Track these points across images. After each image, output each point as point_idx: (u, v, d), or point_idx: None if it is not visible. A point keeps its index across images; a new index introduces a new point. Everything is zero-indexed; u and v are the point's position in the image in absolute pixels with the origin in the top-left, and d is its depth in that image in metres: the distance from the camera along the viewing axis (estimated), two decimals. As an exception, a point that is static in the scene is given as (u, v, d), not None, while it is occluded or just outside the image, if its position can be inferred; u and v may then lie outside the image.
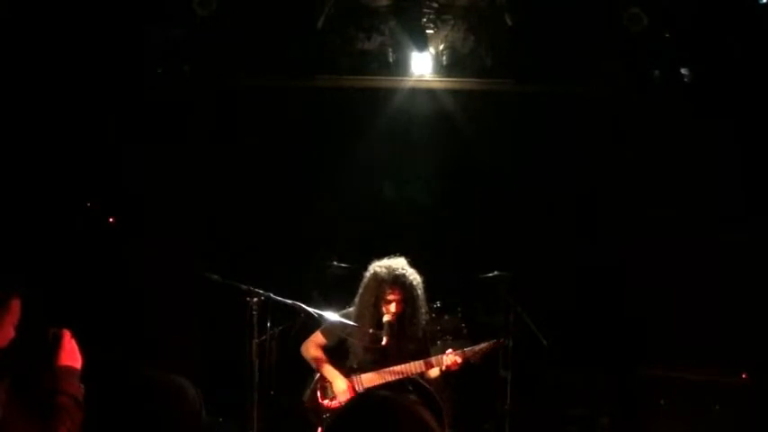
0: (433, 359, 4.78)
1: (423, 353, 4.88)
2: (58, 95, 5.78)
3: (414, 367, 4.80)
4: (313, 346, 4.99)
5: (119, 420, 2.12)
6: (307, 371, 5.03)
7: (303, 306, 4.78)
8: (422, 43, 5.74)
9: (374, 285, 4.84)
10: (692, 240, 6.16)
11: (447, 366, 4.71)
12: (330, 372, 4.89)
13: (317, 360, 4.95)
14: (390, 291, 4.79)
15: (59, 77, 5.67)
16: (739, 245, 6.02)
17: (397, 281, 4.79)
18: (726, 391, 5.39)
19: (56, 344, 2.71)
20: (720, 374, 5.45)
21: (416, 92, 6.32)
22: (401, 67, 5.99)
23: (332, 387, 4.87)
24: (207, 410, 2.29)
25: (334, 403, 4.84)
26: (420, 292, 4.86)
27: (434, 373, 4.84)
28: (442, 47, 5.91)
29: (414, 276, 4.85)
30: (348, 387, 4.83)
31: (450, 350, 4.78)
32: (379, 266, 4.87)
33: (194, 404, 2.23)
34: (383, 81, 6.15)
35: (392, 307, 4.79)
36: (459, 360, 4.71)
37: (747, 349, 5.66)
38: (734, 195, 6.09)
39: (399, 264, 4.86)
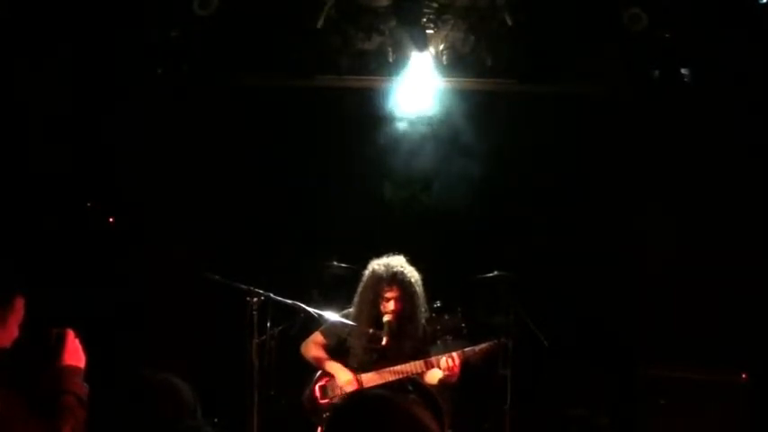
0: (433, 359, 4.78)
1: (423, 353, 4.88)
2: (58, 95, 5.78)
3: (414, 367, 4.80)
4: (313, 346, 5.00)
5: (114, 420, 2.13)
6: (307, 371, 5.03)
7: (303, 306, 4.78)
8: (422, 43, 5.74)
9: (372, 283, 4.86)
10: (692, 240, 6.15)
11: (447, 368, 4.70)
12: (332, 366, 4.89)
13: (317, 359, 4.95)
14: (388, 288, 4.80)
15: (59, 77, 5.67)
16: (739, 244, 6.02)
17: (395, 278, 4.80)
18: (726, 391, 5.39)
19: (59, 343, 2.72)
20: (720, 374, 5.45)
21: (416, 92, 6.31)
22: (401, 67, 5.99)
23: (334, 381, 4.87)
24: (204, 410, 2.30)
25: (336, 400, 4.85)
26: (418, 289, 4.87)
27: (434, 378, 4.83)
28: (442, 47, 5.90)
29: (412, 274, 4.86)
30: (353, 377, 4.83)
31: (452, 353, 4.78)
32: (377, 264, 4.89)
33: (189, 404, 2.24)
34: (383, 81, 6.15)
35: (390, 305, 4.80)
36: (458, 361, 4.71)
37: (747, 349, 5.66)
38: (734, 195, 6.09)
39: (397, 262, 4.88)
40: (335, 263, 6.17)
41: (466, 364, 4.80)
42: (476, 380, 5.57)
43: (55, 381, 2.64)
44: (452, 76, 6.10)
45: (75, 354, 2.74)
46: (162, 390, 2.20)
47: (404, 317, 4.85)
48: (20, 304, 2.75)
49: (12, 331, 2.72)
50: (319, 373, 4.97)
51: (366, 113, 6.42)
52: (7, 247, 5.23)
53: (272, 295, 4.75)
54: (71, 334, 2.75)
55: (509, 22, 5.55)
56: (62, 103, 5.83)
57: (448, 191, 6.79)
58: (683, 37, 5.57)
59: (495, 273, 5.70)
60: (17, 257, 5.17)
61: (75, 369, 2.71)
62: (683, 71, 5.76)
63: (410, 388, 4.84)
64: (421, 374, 4.85)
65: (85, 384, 2.70)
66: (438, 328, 5.88)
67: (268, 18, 5.63)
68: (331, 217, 6.55)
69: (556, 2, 5.60)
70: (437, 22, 5.71)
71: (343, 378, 4.83)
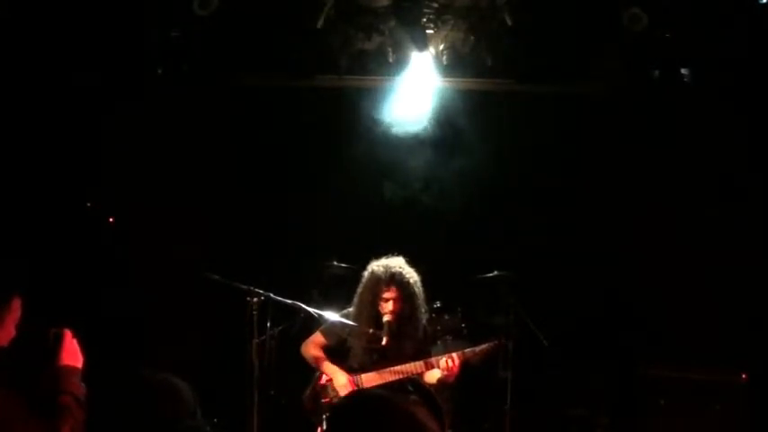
0: (433, 359, 4.78)
1: (423, 353, 4.89)
2: (59, 95, 5.78)
3: (414, 367, 4.80)
4: (313, 346, 5.00)
5: (114, 420, 2.13)
6: (307, 371, 5.03)
7: (303, 306, 4.79)
8: (422, 43, 5.74)
9: (371, 284, 4.87)
10: (693, 240, 6.15)
11: (447, 368, 4.70)
12: (330, 368, 4.89)
13: (316, 359, 4.95)
14: (387, 289, 4.81)
15: (60, 77, 5.67)
16: (740, 244, 6.02)
17: (394, 279, 4.81)
18: (726, 391, 5.39)
19: (57, 343, 2.72)
20: (720, 374, 5.45)
21: (416, 92, 6.31)
22: (401, 67, 5.98)
23: (332, 383, 4.87)
24: (204, 411, 2.30)
25: (336, 400, 4.84)
26: (418, 290, 4.87)
27: (433, 378, 4.84)
28: (442, 47, 5.90)
29: (411, 275, 4.86)
30: (348, 381, 4.83)
31: (452, 354, 4.78)
32: (376, 265, 4.90)
33: (189, 404, 2.24)
34: (383, 81, 6.15)
35: (389, 305, 4.81)
36: (457, 361, 4.71)
37: (747, 349, 5.66)
38: (734, 194, 6.09)
39: (397, 262, 4.88)
40: (335, 263, 6.17)
41: (465, 364, 4.80)
42: (476, 380, 5.57)
43: (53, 381, 2.64)
44: (452, 76, 6.09)
45: (72, 354, 2.74)
46: (162, 390, 2.20)
47: (403, 317, 4.86)
48: (17, 304, 2.75)
49: (9, 331, 2.72)
50: (319, 372, 4.97)
51: (366, 113, 6.42)
52: (6, 248, 5.23)
53: (272, 295, 4.75)
54: (69, 334, 2.76)
55: (509, 22, 5.54)
56: (62, 102, 5.83)
57: (448, 191, 6.80)
58: (683, 37, 5.57)
59: (495, 273, 5.70)
60: (17, 257, 5.18)
61: (72, 369, 2.72)
62: (683, 71, 5.76)
63: (410, 388, 4.83)
64: (420, 374, 4.85)
65: (83, 384, 2.70)
66: (438, 328, 5.89)
67: (268, 18, 5.62)
68: (331, 217, 6.55)
69: (556, 2, 5.60)
70: (437, 22, 5.70)
71: (340, 381, 4.84)
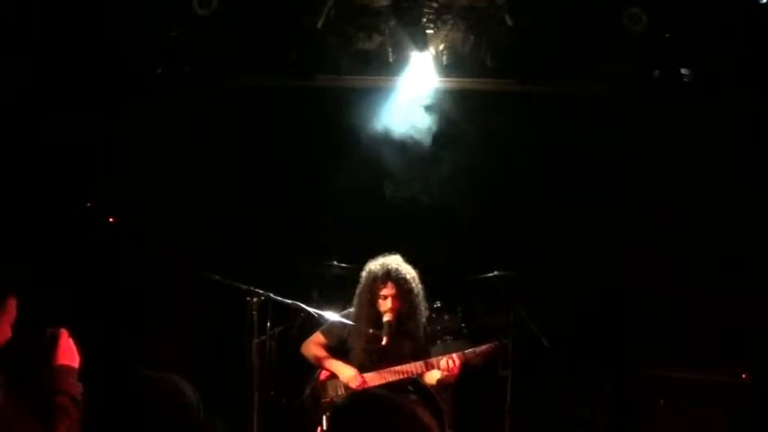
0: (434, 360, 4.79)
1: (423, 353, 4.89)
2: (58, 95, 5.78)
3: (414, 368, 4.81)
4: (314, 346, 5.01)
5: (116, 420, 2.13)
6: (307, 371, 5.03)
7: (303, 306, 4.79)
8: (422, 43, 5.74)
9: (369, 283, 4.89)
10: (693, 240, 6.15)
11: (447, 369, 4.71)
12: (334, 364, 4.90)
13: (318, 358, 4.96)
14: (384, 286, 4.83)
15: (59, 77, 5.67)
16: (740, 244, 6.02)
17: (390, 276, 4.83)
18: (726, 391, 5.39)
19: (53, 343, 2.72)
20: (720, 374, 5.45)
21: (416, 92, 6.31)
22: (401, 67, 5.98)
23: (335, 380, 4.88)
24: (205, 410, 2.30)
25: (336, 399, 4.84)
26: (415, 286, 4.89)
27: (433, 378, 4.84)
28: (442, 47, 5.90)
29: (408, 271, 4.88)
30: (356, 372, 4.83)
31: (453, 354, 4.78)
32: (373, 264, 4.94)
33: (191, 404, 2.24)
34: (383, 81, 6.15)
35: (388, 302, 4.82)
36: (458, 362, 4.71)
37: (747, 349, 5.66)
38: (735, 194, 6.08)
39: (393, 260, 4.91)
40: (335, 263, 6.17)
41: (466, 365, 4.81)
42: (476, 380, 5.57)
43: (49, 381, 2.64)
44: (452, 76, 6.09)
45: (69, 353, 2.74)
46: (166, 390, 2.20)
47: (402, 314, 4.87)
48: (12, 304, 2.75)
49: (4, 331, 2.72)
50: (319, 372, 4.98)
51: (365, 113, 6.42)
52: (5, 246, 5.23)
53: (272, 295, 4.75)
54: (65, 334, 2.76)
55: (509, 22, 5.54)
56: (62, 102, 5.83)
57: (448, 191, 6.80)
58: (683, 37, 5.57)
59: (495, 273, 5.70)
60: (17, 258, 5.18)
61: (69, 369, 2.71)
62: (683, 71, 5.76)
63: (410, 388, 4.84)
64: (421, 375, 4.86)
65: (80, 384, 2.70)
66: (438, 328, 5.90)
67: (268, 18, 5.62)
68: (331, 217, 6.55)
69: (556, 2, 5.60)
70: (437, 22, 5.70)
71: (347, 374, 4.84)
